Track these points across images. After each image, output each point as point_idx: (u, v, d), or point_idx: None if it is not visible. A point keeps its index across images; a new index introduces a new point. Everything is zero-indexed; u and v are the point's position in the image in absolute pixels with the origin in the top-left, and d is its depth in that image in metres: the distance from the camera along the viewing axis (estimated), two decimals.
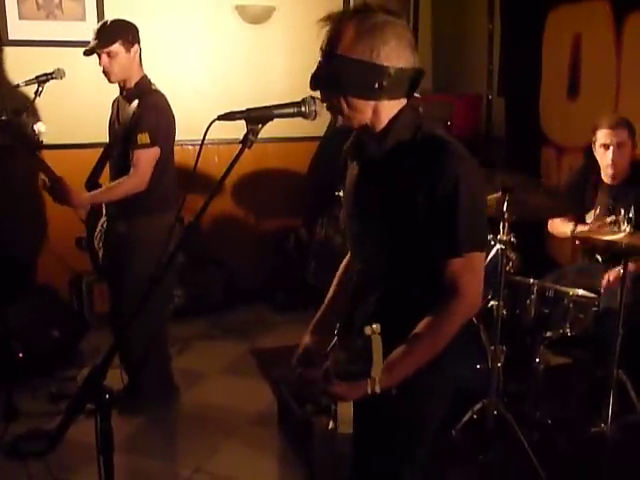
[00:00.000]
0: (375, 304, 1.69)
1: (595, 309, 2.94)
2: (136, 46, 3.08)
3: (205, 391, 3.67)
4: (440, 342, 1.56)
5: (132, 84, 3.11)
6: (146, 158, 3.04)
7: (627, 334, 2.78)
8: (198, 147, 1.49)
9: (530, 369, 3.10)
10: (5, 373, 3.34)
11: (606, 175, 3.30)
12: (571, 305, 2.92)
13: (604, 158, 3.25)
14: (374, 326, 1.39)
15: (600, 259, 3.32)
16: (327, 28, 1.57)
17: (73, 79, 3.47)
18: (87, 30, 4.13)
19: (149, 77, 3.17)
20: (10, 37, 4.19)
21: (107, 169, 3.33)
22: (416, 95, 1.65)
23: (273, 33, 4.80)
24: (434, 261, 1.57)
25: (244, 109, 1.51)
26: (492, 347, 2.96)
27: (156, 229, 3.07)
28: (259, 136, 1.52)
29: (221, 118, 1.48)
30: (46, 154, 3.95)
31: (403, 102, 1.62)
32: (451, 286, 1.55)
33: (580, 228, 3.29)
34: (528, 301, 2.96)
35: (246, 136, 1.51)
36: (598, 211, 3.33)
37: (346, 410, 1.52)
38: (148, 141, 3.01)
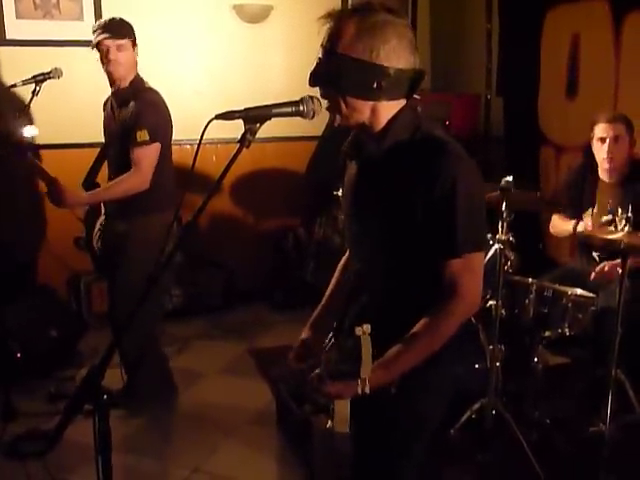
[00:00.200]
0: (367, 304, 1.69)
1: (593, 309, 2.94)
2: (136, 47, 3.13)
3: (204, 391, 3.67)
4: (437, 341, 1.57)
5: (127, 83, 3.11)
6: (147, 155, 3.04)
7: (626, 333, 2.78)
8: (196, 146, 1.48)
9: (529, 369, 3.10)
10: (3, 373, 3.34)
11: (603, 170, 3.29)
12: (570, 305, 2.91)
13: (600, 152, 3.24)
14: (364, 327, 1.39)
15: (597, 258, 3.31)
16: (328, 25, 1.56)
17: (70, 79, 3.46)
18: (84, 30, 4.16)
19: (145, 76, 3.16)
20: (7, 37, 4.18)
21: (105, 169, 3.33)
22: (414, 95, 1.64)
23: (271, 32, 4.80)
24: (433, 261, 1.57)
25: (242, 108, 1.51)
26: (491, 347, 2.96)
27: (155, 228, 3.06)
28: (257, 135, 1.52)
29: (219, 117, 1.47)
30: (44, 154, 3.97)
31: (402, 103, 1.61)
32: (450, 286, 1.55)
33: (580, 227, 3.29)
34: (527, 301, 2.95)
35: (244, 135, 1.50)
36: (596, 210, 3.33)
37: (343, 409, 1.52)
38: (147, 138, 3.00)
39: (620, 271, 2.74)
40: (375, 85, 1.54)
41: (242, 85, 4.67)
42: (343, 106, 1.57)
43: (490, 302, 2.94)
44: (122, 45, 3.04)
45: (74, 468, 2.85)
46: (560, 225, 3.44)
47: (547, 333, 3.02)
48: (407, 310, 1.59)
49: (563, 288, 2.95)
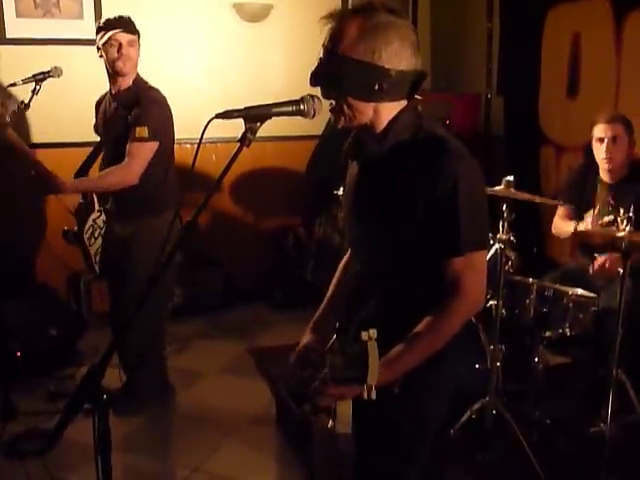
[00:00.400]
0: (374, 306, 1.68)
1: (594, 309, 2.94)
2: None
3: (204, 390, 3.66)
4: (440, 340, 1.56)
5: (130, 82, 3.10)
6: (142, 151, 3.02)
7: (626, 333, 2.77)
8: (196, 146, 1.48)
9: (529, 369, 3.10)
10: (3, 372, 3.33)
11: (603, 170, 3.29)
12: (570, 305, 2.91)
13: (599, 152, 3.24)
14: (371, 331, 1.37)
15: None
16: (329, 25, 1.55)
17: (70, 77, 3.46)
18: (84, 28, 4.17)
19: (145, 75, 3.16)
20: (7, 35, 4.18)
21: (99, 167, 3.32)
22: (415, 96, 1.64)
23: (271, 31, 4.80)
24: (435, 261, 1.57)
25: (242, 107, 1.50)
26: (491, 347, 2.96)
27: (161, 229, 3.04)
28: (257, 135, 1.51)
29: (219, 116, 1.47)
30: (43, 152, 3.94)
31: (404, 103, 1.61)
32: (453, 285, 1.55)
33: (581, 227, 3.28)
34: (527, 300, 2.95)
35: (244, 134, 1.50)
36: (597, 210, 3.33)
37: (345, 409, 1.51)
38: (146, 135, 2.99)
39: (620, 268, 2.74)
40: (377, 87, 1.53)
41: (242, 84, 4.67)
42: (345, 107, 1.57)
43: (491, 302, 2.94)
44: (133, 40, 3.05)
45: (74, 467, 2.85)
46: (562, 226, 3.44)
47: (548, 333, 3.02)
48: (410, 310, 1.58)
49: (564, 288, 2.95)
